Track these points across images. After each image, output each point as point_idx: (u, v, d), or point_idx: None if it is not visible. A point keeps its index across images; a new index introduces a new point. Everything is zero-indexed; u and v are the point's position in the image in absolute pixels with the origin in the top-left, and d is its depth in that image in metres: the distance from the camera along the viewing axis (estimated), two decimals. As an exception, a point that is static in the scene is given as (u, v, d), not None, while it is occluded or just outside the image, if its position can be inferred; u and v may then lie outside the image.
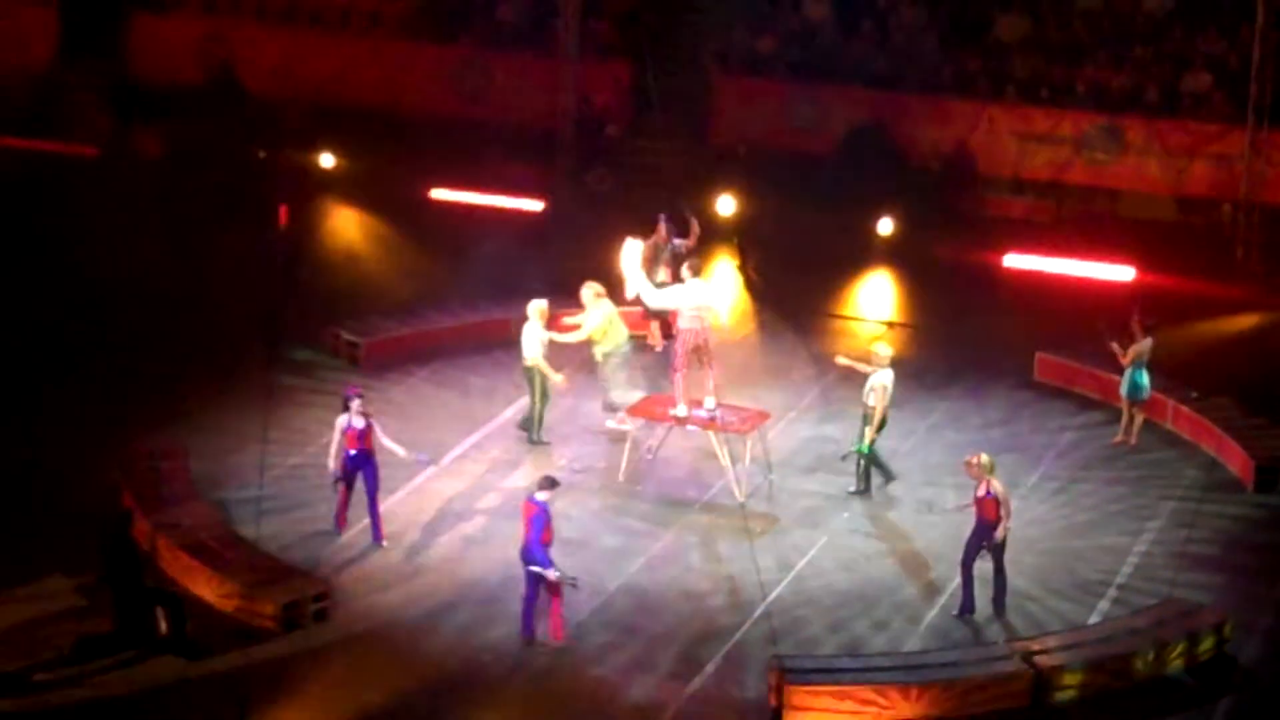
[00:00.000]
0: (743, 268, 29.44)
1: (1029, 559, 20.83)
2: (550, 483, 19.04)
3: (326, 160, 32.91)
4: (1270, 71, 29.81)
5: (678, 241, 25.52)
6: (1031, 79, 32.22)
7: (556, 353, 23.43)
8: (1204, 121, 31.00)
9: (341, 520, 21.01)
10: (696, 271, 22.46)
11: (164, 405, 23.78)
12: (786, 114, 33.05)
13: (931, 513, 21.09)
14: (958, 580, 19.99)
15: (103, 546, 18.88)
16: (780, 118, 33.05)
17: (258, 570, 19.67)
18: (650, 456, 22.72)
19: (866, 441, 22.16)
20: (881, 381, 22.01)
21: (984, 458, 19.71)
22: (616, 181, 32.51)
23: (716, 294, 22.23)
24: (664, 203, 26.56)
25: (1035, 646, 18.83)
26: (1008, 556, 19.84)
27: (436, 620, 19.54)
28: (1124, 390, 23.83)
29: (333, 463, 20.77)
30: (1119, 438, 23.94)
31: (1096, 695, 18.50)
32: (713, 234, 28.70)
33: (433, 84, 34.57)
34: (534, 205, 31.87)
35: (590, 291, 23.55)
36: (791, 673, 18.08)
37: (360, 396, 20.85)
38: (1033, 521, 21.66)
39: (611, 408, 23.56)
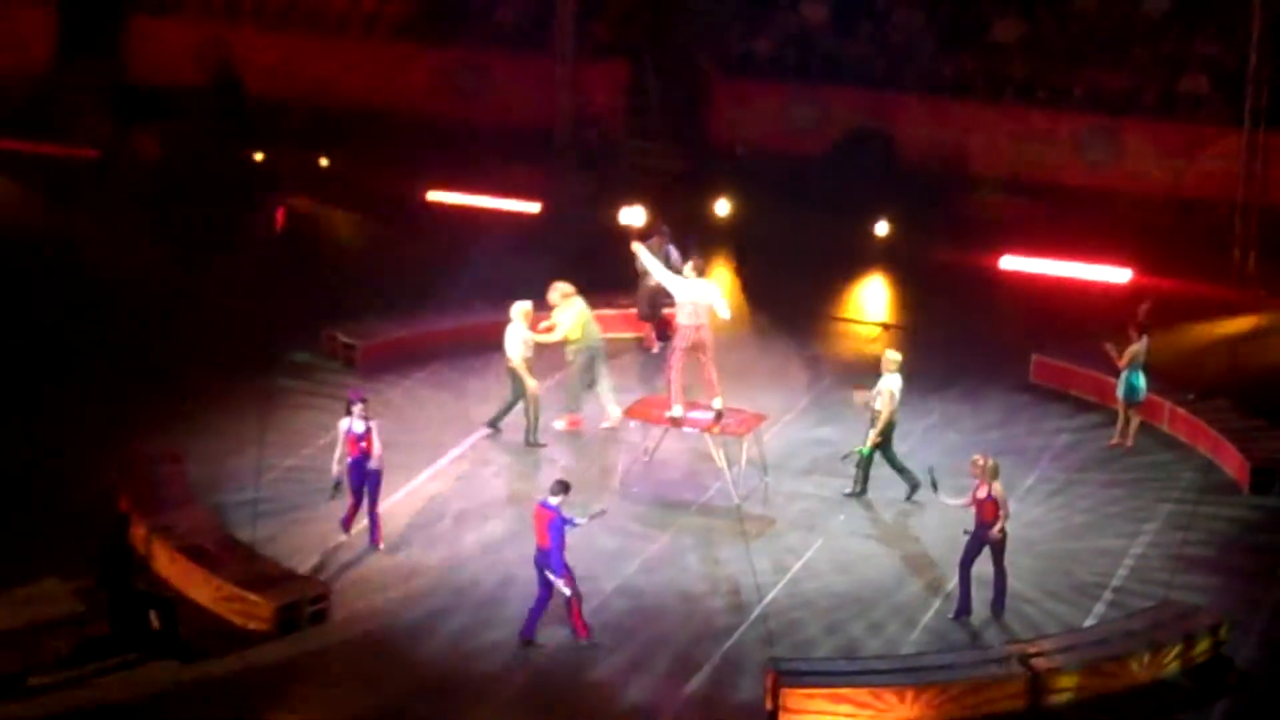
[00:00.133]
0: (740, 270, 29.44)
1: (1026, 561, 20.84)
2: (563, 487, 18.91)
3: (324, 162, 32.91)
4: (1267, 74, 29.81)
5: (672, 250, 25.43)
6: (1029, 80, 32.25)
7: (541, 355, 23.47)
8: (1201, 124, 31.04)
9: (349, 524, 20.95)
10: (700, 271, 22.47)
11: (163, 406, 23.79)
12: (784, 115, 33.07)
13: (934, 487, 20.65)
14: (954, 582, 20.03)
15: (100, 550, 18.88)
16: (778, 119, 33.06)
17: (254, 573, 19.66)
18: (646, 458, 22.73)
19: (868, 444, 22.20)
20: (889, 386, 22.01)
21: (990, 461, 19.75)
22: (616, 182, 32.49)
23: (718, 293, 22.19)
24: (660, 204, 26.51)
25: (1032, 649, 18.83)
26: (1006, 559, 19.88)
27: (434, 622, 19.53)
28: (1120, 392, 23.85)
29: (335, 466, 20.74)
30: (1115, 440, 23.96)
31: (1093, 697, 18.50)
32: (711, 236, 28.67)
33: (430, 86, 34.58)
34: (531, 207, 31.88)
35: (557, 292, 23.55)
36: (788, 675, 18.09)
37: (364, 401, 20.78)
38: (1029, 524, 21.66)
39: (566, 409, 23.60)
